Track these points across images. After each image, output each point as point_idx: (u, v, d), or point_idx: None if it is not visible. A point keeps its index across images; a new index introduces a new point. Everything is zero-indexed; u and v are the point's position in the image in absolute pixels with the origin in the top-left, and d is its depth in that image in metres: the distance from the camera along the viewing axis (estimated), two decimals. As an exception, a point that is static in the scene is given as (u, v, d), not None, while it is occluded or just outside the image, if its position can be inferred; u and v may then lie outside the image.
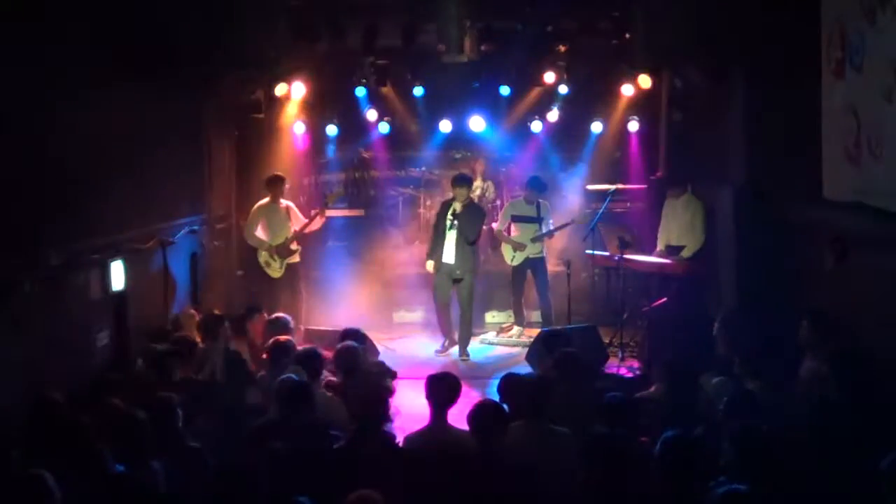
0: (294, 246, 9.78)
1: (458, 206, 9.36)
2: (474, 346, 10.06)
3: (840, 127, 7.13)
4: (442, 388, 5.17)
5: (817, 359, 5.75)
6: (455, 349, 9.57)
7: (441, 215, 9.55)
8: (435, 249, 9.53)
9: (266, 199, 9.82)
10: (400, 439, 5.15)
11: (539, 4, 10.38)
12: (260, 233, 9.74)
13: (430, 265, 9.62)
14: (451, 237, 9.39)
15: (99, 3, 6.97)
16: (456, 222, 9.32)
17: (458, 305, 9.64)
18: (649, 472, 4.20)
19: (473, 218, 9.43)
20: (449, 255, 9.42)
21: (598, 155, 11.97)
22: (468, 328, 9.61)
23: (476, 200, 11.56)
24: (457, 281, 9.44)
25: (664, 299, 8.97)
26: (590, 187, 11.53)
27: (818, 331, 5.98)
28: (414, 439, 5.11)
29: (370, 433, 4.87)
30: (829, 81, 7.39)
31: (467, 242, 9.32)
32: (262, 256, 9.76)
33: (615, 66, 11.08)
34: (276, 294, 9.71)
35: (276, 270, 9.75)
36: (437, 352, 9.67)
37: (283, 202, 9.86)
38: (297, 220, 9.84)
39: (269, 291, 9.79)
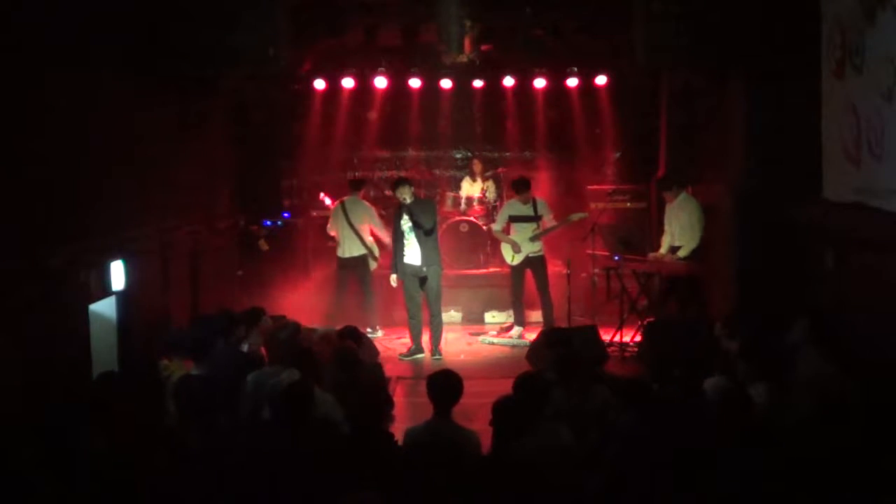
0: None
1: (407, 201, 9.19)
2: (475, 345, 10.07)
3: (840, 127, 7.14)
4: (443, 387, 5.16)
5: (815, 358, 5.74)
6: (420, 356, 9.39)
7: (396, 223, 9.37)
8: (398, 261, 9.39)
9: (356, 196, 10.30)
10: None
11: (539, 4, 10.39)
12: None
13: (393, 279, 9.48)
14: (411, 239, 9.26)
15: (98, 2, 6.97)
16: (412, 219, 9.18)
17: (427, 306, 9.44)
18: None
19: (425, 207, 9.35)
20: (413, 255, 9.27)
21: (599, 154, 12.00)
22: (440, 326, 9.49)
23: (477, 201, 11.62)
24: (423, 280, 9.31)
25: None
26: (590, 187, 11.56)
27: (816, 330, 5.97)
28: (414, 432, 5.12)
29: (369, 433, 4.87)
30: (829, 81, 7.40)
31: (426, 234, 9.18)
32: (375, 250, 10.15)
33: (615, 66, 11.09)
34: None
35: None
36: (401, 356, 9.41)
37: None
38: None
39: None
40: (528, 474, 4.38)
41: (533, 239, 9.93)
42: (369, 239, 10.15)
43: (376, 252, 10.12)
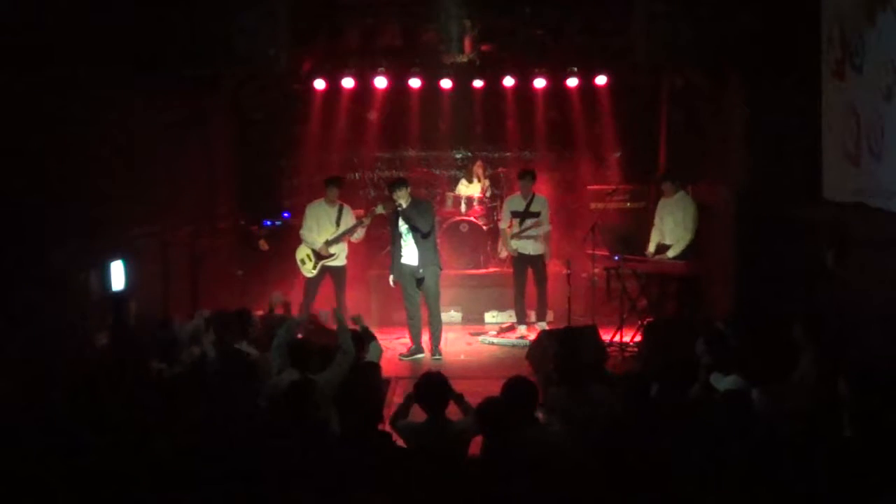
0: (332, 249, 9.75)
1: (403, 205, 9.15)
2: (475, 345, 10.07)
3: (840, 127, 7.15)
4: (429, 391, 5.15)
5: (812, 359, 5.74)
6: (420, 356, 9.37)
7: (393, 225, 9.35)
8: (396, 262, 9.37)
9: (320, 199, 9.90)
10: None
11: (539, 4, 10.38)
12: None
13: (391, 280, 9.47)
14: (409, 240, 9.23)
15: (99, 2, 6.97)
16: (409, 221, 9.14)
17: (426, 307, 9.40)
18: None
19: (422, 210, 9.28)
20: (411, 256, 9.25)
21: (599, 154, 12.00)
22: (439, 326, 9.47)
23: (477, 201, 11.61)
24: (420, 281, 9.28)
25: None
26: (590, 187, 11.56)
27: (813, 331, 5.97)
28: (408, 428, 5.12)
29: (366, 433, 4.86)
30: (829, 81, 7.40)
31: (423, 236, 9.15)
32: (299, 253, 9.83)
33: (615, 66, 11.09)
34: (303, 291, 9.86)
35: (308, 270, 9.80)
36: (402, 356, 9.39)
37: (337, 204, 9.85)
38: (350, 222, 9.82)
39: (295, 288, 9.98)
40: (516, 475, 4.38)
41: (514, 237, 9.98)
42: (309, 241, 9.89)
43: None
